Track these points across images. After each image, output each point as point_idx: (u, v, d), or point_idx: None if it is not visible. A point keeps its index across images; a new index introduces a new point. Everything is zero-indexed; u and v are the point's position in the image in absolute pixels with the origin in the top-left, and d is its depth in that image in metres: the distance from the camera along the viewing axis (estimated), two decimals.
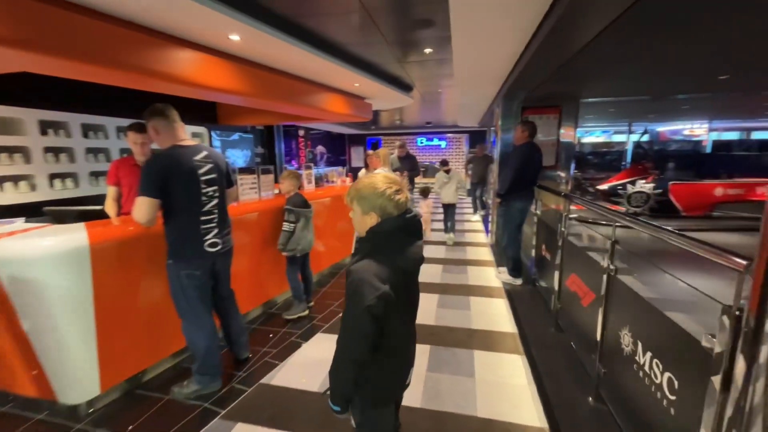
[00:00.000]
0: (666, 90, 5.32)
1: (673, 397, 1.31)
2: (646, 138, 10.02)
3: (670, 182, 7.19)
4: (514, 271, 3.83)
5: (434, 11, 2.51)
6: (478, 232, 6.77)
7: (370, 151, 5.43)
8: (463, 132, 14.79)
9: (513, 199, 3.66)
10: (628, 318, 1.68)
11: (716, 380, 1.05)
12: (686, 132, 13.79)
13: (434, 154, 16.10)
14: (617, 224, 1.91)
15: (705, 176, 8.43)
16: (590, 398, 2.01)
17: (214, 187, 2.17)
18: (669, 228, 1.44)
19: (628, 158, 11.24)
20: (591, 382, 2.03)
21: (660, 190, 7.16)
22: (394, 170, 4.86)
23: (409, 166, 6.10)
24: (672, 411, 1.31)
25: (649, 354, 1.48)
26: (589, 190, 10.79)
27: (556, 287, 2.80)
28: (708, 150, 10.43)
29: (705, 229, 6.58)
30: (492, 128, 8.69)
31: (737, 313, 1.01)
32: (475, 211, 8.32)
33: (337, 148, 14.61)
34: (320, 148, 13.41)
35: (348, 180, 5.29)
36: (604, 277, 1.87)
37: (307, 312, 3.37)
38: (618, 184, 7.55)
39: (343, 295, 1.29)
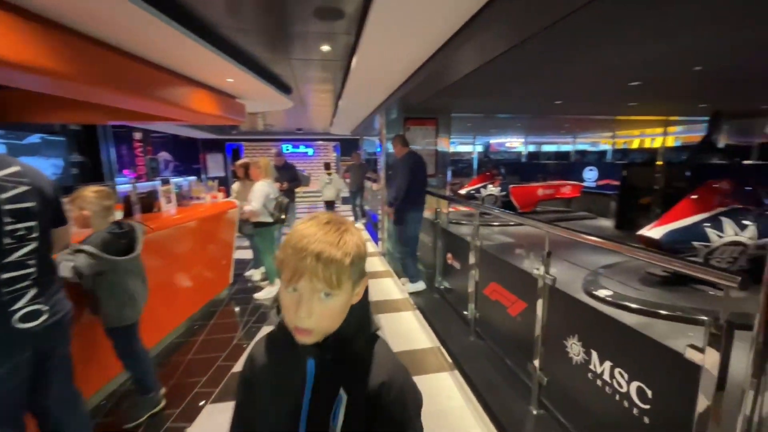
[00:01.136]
0: (507, 110, 6.43)
1: (646, 406, 1.36)
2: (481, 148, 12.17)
3: (510, 185, 8.78)
4: (415, 278, 3.89)
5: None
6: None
7: (247, 160, 4.65)
8: (331, 140, 14.71)
9: (407, 209, 3.73)
10: (575, 327, 1.73)
11: (708, 389, 1.09)
12: (507, 144, 17.36)
13: (301, 161, 15.50)
14: (548, 231, 1.98)
15: (526, 180, 10.69)
16: (532, 407, 2.04)
17: (30, 224, 1.29)
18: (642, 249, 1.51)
19: (475, 166, 13.36)
20: (528, 391, 2.06)
21: (504, 192, 8.65)
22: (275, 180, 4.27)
23: (288, 176, 5.52)
24: (645, 419, 1.35)
25: (608, 363, 1.52)
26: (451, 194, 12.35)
27: (474, 295, 2.85)
28: (525, 159, 13.44)
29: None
30: (374, 136, 8.77)
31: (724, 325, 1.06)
32: (357, 219, 8.28)
33: (188, 155, 12.34)
34: (164, 155, 11.07)
35: (220, 195, 4.36)
36: (540, 286, 1.91)
37: (161, 405, 2.28)
38: (473, 189, 8.76)
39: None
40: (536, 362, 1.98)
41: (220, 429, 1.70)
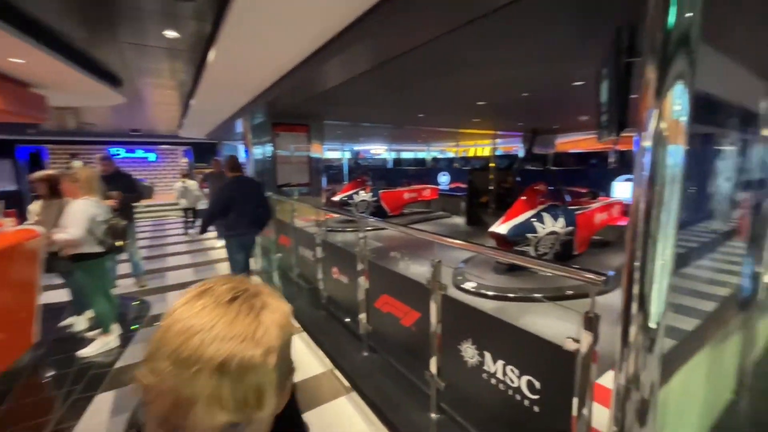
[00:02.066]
0: (375, 120, 6.74)
1: (535, 396, 1.51)
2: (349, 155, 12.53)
3: (380, 191, 9.25)
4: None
5: None
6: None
7: (52, 171, 3.46)
8: (181, 144, 12.62)
9: (226, 234, 3.80)
10: (469, 332, 1.82)
11: (582, 371, 1.27)
12: (372, 151, 18.36)
13: (141, 169, 12.80)
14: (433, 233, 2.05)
15: (392, 185, 11.51)
16: (432, 413, 2.09)
17: None
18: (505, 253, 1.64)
19: (345, 172, 13.59)
20: (428, 399, 2.10)
21: (376, 198, 9.04)
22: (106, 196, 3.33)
23: (124, 187, 4.36)
24: (536, 408, 1.51)
25: (501, 362, 1.65)
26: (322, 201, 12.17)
27: (365, 308, 2.78)
28: (390, 165, 14.47)
29: (406, 224, 8.92)
30: (237, 141, 7.89)
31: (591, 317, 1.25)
32: (220, 236, 7.27)
33: None
34: None
35: (8, 221, 3.08)
36: (433, 295, 1.96)
37: None
38: (346, 195, 8.87)
39: None
40: (433, 369, 2.02)
41: None
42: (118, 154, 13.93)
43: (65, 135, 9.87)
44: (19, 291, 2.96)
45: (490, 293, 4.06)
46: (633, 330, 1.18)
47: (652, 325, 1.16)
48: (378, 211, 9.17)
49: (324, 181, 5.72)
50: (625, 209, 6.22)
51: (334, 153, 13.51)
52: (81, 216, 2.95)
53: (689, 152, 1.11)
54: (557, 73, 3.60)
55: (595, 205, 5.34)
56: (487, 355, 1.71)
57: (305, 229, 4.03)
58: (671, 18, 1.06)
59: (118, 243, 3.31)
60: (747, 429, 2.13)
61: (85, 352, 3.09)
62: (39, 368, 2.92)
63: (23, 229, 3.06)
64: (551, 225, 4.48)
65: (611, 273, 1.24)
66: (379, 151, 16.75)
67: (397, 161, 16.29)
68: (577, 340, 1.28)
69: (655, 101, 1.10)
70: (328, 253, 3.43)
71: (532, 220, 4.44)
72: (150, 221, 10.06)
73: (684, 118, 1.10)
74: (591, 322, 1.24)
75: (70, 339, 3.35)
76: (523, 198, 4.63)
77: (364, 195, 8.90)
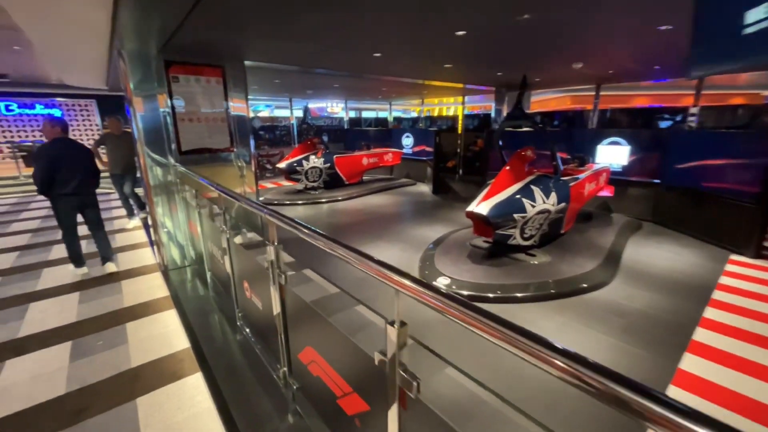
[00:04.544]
0: (321, 63, 5.27)
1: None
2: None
3: (335, 155, 7.93)
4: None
5: None
6: (140, 247, 4.54)
7: None
8: (87, 96, 10.25)
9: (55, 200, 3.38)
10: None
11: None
12: (329, 109, 16.53)
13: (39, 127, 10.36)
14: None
15: (349, 148, 10.16)
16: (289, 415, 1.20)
17: None
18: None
19: (294, 133, 11.88)
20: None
21: (329, 164, 7.73)
22: None
23: None
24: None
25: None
26: (268, 167, 10.57)
27: (285, 358, 1.72)
28: (347, 125, 12.85)
29: (365, 194, 7.81)
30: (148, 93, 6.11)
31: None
32: (130, 215, 5.75)
33: None
34: None
35: None
36: (272, 289, 1.01)
37: None
38: (294, 161, 7.48)
39: None
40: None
41: None
42: (12, 110, 11.28)
43: None
44: None
45: (467, 293, 3.16)
46: None
47: None
48: (333, 180, 7.92)
49: (252, 144, 4.35)
50: (609, 177, 5.52)
51: (283, 111, 11.67)
52: None
53: None
54: None
55: (585, 174, 4.51)
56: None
57: (213, 212, 2.79)
58: None
59: None
60: None
61: None
62: None
63: None
64: (542, 201, 3.57)
65: None
66: (336, 110, 14.98)
67: (355, 121, 14.63)
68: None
69: None
70: (237, 259, 2.25)
71: (521, 195, 3.49)
72: None
73: None
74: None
75: None
76: (507, 168, 3.64)
77: (315, 161, 7.55)
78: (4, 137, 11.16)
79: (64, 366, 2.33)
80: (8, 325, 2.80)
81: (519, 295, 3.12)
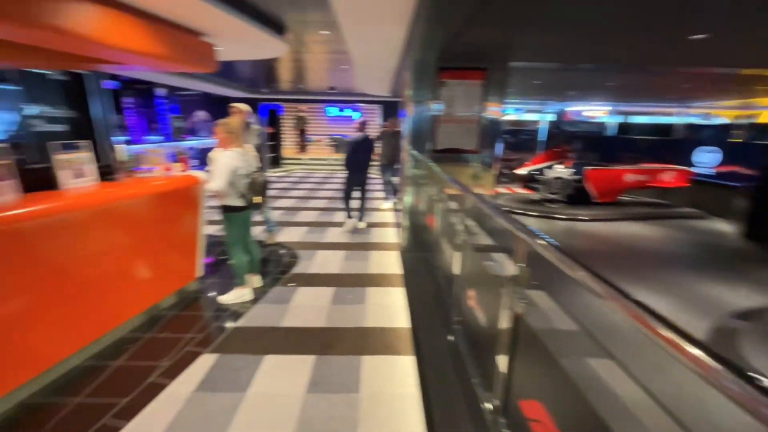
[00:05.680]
0: (596, 56, 4.46)
1: None
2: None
3: (585, 168, 6.76)
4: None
5: None
6: (388, 227, 5.46)
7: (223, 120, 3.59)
8: (376, 102, 13.26)
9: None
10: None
11: None
12: (585, 113, 14.35)
13: (349, 126, 14.36)
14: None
15: (609, 160, 8.39)
16: None
17: None
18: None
19: (540, 139, 11.05)
20: None
21: (579, 176, 6.68)
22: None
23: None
24: None
25: None
26: (504, 171, 10.37)
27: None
28: (610, 133, 10.69)
29: (619, 219, 6.31)
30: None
31: None
32: (386, 198, 7.02)
33: (223, 115, 11.87)
34: (200, 114, 10.63)
35: (179, 167, 3.35)
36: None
37: None
38: (535, 168, 6.90)
39: None
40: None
41: None
42: (333, 113, 16.19)
43: (292, 93, 11.84)
44: (179, 231, 3.23)
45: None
46: None
47: None
48: (579, 195, 6.78)
49: (499, 148, 4.25)
50: None
51: (532, 116, 10.95)
52: (224, 168, 2.87)
53: None
54: None
55: None
56: None
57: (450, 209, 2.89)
58: None
59: (256, 199, 3.18)
60: None
61: (223, 299, 3.19)
62: (188, 303, 3.18)
63: (186, 175, 3.28)
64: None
65: None
66: (597, 113, 12.67)
67: (623, 128, 11.76)
68: None
69: None
70: (466, 259, 2.20)
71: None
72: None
73: None
74: None
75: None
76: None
77: (560, 170, 6.69)
78: (325, 132, 16.19)
79: (327, 305, 3.05)
80: (303, 262, 3.97)
81: None
